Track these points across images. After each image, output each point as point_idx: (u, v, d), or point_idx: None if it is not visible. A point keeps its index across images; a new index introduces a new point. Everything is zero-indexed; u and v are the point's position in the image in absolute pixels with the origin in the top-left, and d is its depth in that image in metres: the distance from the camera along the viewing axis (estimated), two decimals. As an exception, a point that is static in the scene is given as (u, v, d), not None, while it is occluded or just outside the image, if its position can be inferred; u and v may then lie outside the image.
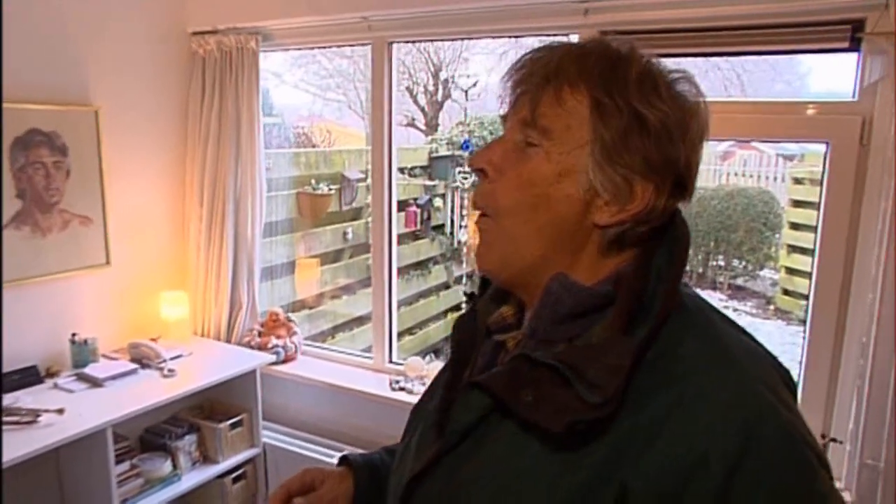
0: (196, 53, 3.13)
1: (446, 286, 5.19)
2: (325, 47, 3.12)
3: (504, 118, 0.81)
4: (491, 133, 5.35)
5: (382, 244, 2.99)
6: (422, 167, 4.79)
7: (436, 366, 2.92)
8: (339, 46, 3.14)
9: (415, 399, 2.77)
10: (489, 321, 0.87)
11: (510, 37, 3.64)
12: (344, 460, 1.09)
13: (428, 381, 2.79)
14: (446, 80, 7.64)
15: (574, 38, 2.63)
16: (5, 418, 2.25)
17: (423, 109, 6.93)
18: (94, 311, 2.89)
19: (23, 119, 2.57)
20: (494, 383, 0.74)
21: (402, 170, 4.37)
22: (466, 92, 4.27)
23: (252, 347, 3.07)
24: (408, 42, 3.08)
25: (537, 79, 0.76)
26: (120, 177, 2.93)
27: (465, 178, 4.07)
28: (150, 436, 2.80)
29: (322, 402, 3.03)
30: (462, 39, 3.16)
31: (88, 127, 2.78)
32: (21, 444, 2.14)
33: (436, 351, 4.70)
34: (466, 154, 4.07)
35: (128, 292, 3.02)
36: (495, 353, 0.85)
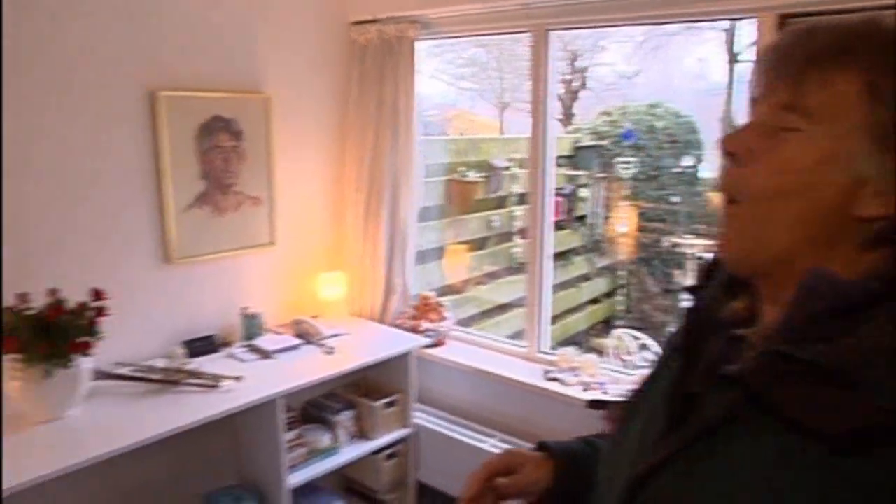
0: (356, 42, 3.23)
1: (586, 278, 5.12)
2: (482, 35, 3.13)
3: (754, 101, 0.77)
4: (635, 123, 5.22)
5: (537, 231, 2.97)
6: (566, 157, 4.74)
7: (588, 358, 2.87)
8: (496, 34, 3.14)
9: (568, 390, 2.75)
10: (723, 314, 0.84)
11: (659, 23, 3.52)
12: (542, 446, 1.08)
13: (581, 373, 2.77)
14: (582, 70, 7.51)
15: (741, 24, 2.49)
16: (192, 381, 2.44)
17: (559, 99, 6.89)
18: (260, 287, 3.07)
19: (208, 107, 2.76)
20: (751, 377, 0.70)
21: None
22: (629, 79, 4.16)
23: (404, 330, 3.15)
24: (567, 29, 3.04)
25: (799, 60, 0.71)
26: (285, 161, 3.08)
27: (626, 168, 3.98)
28: (311, 409, 2.93)
29: (472, 388, 3.06)
30: (621, 26, 3.08)
31: (260, 113, 2.95)
32: (206, 407, 2.30)
33: (576, 342, 4.65)
34: (627, 144, 3.98)
35: (290, 271, 3.18)
36: (731, 348, 0.81)
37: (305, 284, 3.22)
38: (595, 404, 2.44)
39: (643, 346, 3.42)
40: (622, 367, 3.03)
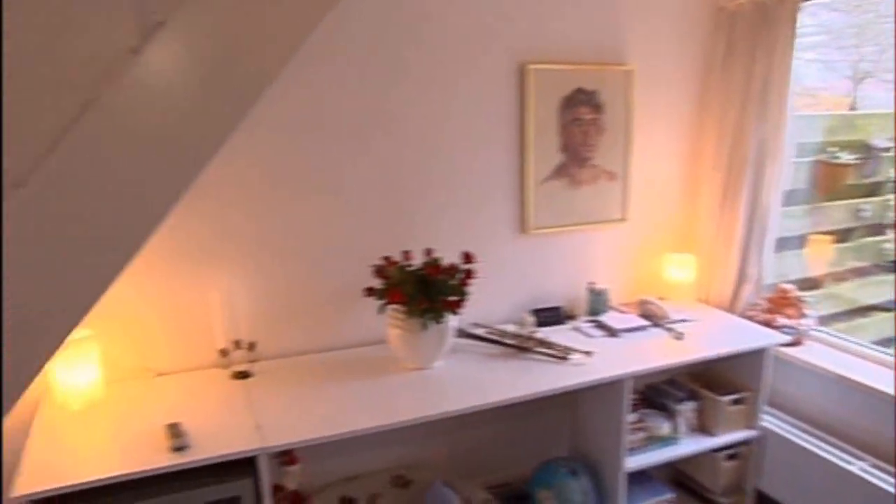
0: (723, 10, 2.99)
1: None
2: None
3: None
4: None
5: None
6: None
7: None
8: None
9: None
10: None
11: None
12: None
13: None
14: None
15: None
16: (543, 349, 2.49)
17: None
18: (606, 263, 3.04)
19: (571, 79, 2.76)
20: None
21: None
22: None
23: (756, 323, 2.88)
24: None
25: None
26: (641, 135, 2.98)
27: None
28: (651, 393, 2.84)
29: (836, 398, 2.70)
30: None
31: (621, 86, 2.88)
32: (557, 377, 2.34)
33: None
34: None
35: (637, 250, 3.10)
36: None
37: (652, 264, 3.12)
38: None
39: None
40: None
